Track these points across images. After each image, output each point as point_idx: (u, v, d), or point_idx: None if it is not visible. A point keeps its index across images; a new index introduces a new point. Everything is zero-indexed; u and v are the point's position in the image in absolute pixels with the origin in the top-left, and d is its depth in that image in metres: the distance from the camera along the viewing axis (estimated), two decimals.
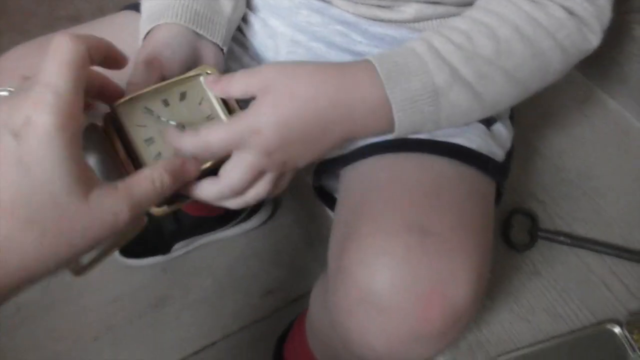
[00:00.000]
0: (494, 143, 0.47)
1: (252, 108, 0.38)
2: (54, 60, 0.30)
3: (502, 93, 0.43)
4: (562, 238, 0.65)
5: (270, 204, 1.04)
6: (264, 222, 1.04)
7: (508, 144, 0.51)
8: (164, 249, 0.97)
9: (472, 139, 0.45)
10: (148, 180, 0.34)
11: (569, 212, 0.68)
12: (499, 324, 0.61)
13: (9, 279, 0.29)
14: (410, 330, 0.38)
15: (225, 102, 0.42)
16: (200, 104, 0.41)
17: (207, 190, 0.40)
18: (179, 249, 0.98)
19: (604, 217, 0.68)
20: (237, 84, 0.39)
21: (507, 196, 0.70)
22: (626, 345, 0.57)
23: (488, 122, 0.48)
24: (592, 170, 0.72)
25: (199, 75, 0.42)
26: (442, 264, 0.38)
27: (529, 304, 0.62)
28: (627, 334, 0.58)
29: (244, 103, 0.41)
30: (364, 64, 0.41)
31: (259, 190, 0.40)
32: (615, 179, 0.71)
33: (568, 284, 0.63)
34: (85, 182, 0.31)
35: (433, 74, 0.40)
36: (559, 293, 0.63)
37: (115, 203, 0.32)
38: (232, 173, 0.39)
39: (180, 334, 0.93)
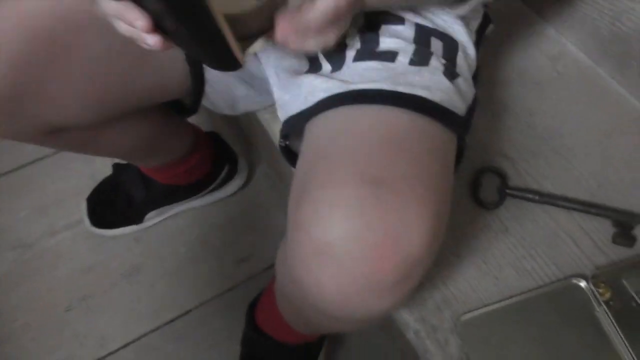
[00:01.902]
0: (456, 97, 0.46)
1: None
2: None
3: None
4: (530, 195, 0.65)
5: (245, 171, 1.02)
6: (238, 190, 1.02)
7: (470, 99, 0.50)
8: (137, 218, 0.96)
9: (435, 92, 0.44)
10: None
11: (539, 170, 0.68)
12: (466, 282, 0.61)
13: None
14: (364, 280, 0.38)
15: None
16: None
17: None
18: (152, 218, 0.97)
19: (573, 174, 0.67)
20: None
21: (476, 155, 0.69)
22: (592, 299, 0.57)
23: (451, 75, 0.47)
24: (562, 128, 0.71)
25: None
26: (395, 213, 0.37)
27: (496, 261, 0.62)
28: (592, 287, 0.58)
29: None
30: None
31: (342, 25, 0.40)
32: (585, 136, 0.70)
33: (536, 240, 0.63)
34: None
35: None
36: (526, 250, 0.62)
37: None
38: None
39: (155, 303, 0.92)
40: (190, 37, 0.37)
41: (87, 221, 0.96)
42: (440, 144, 0.45)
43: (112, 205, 0.96)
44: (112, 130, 0.66)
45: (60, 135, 0.60)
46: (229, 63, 0.40)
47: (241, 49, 0.40)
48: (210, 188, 0.97)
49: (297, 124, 0.50)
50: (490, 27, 0.59)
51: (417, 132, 0.43)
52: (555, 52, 0.79)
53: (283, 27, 0.39)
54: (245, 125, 1.02)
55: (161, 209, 0.96)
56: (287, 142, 0.54)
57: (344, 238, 0.37)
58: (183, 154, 0.84)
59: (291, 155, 0.55)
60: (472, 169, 0.68)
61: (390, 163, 0.40)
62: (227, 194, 1.01)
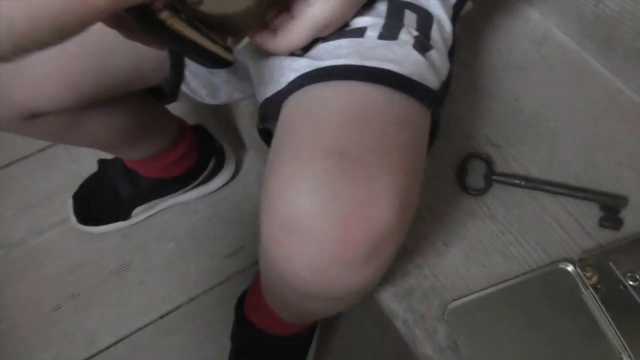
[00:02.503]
0: (428, 71, 0.45)
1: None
2: None
3: None
4: (517, 181, 0.64)
5: (232, 164, 1.01)
6: (226, 184, 1.02)
7: (444, 75, 0.49)
8: (124, 214, 0.95)
9: (405, 65, 0.44)
10: None
11: (525, 155, 0.67)
12: (453, 270, 0.60)
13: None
14: (332, 255, 0.37)
15: None
16: None
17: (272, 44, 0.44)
18: (139, 214, 0.96)
19: (559, 158, 0.67)
20: None
21: (461, 141, 0.69)
22: (579, 283, 0.57)
23: (424, 48, 0.46)
24: (548, 112, 0.71)
25: None
26: (361, 186, 0.37)
27: (484, 248, 0.62)
28: (580, 271, 0.57)
29: None
30: None
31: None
32: (571, 120, 0.70)
33: (523, 226, 0.62)
34: None
35: None
36: (514, 236, 0.62)
37: None
38: (296, 32, 0.44)
39: (144, 299, 0.92)
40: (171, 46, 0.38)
41: (73, 219, 0.95)
42: (409, 117, 0.44)
43: (98, 202, 0.95)
44: (92, 118, 0.65)
45: (39, 122, 0.59)
46: (216, 63, 0.40)
47: (232, 45, 0.41)
48: (197, 182, 0.96)
49: (272, 106, 0.50)
50: (469, 4, 0.58)
51: (385, 105, 0.42)
52: (539, 36, 0.78)
53: (264, 45, 0.44)
54: (231, 118, 1.01)
55: (148, 204, 0.95)
56: (265, 125, 0.54)
57: (310, 212, 0.37)
58: (167, 146, 0.83)
59: (270, 139, 0.55)
60: (458, 155, 0.67)
61: (356, 136, 0.39)
62: (214, 187, 1.00)
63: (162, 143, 0.82)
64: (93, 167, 0.96)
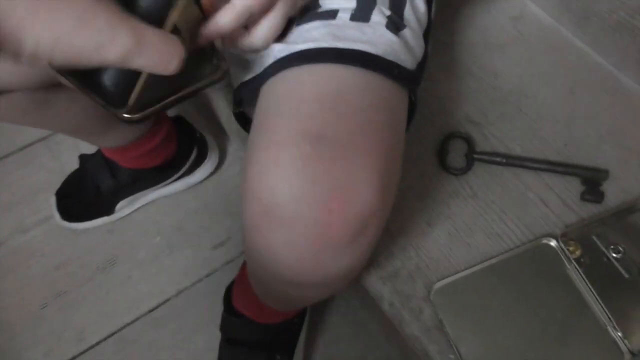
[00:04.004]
0: (401, 50, 0.45)
1: None
2: None
3: None
4: (498, 159, 0.64)
5: (215, 155, 1.00)
6: (210, 175, 1.01)
7: (419, 55, 0.49)
8: (107, 209, 0.94)
9: (378, 45, 0.43)
10: (163, 34, 0.32)
11: (505, 132, 0.67)
12: (438, 250, 0.60)
13: None
14: (315, 239, 0.37)
15: None
16: None
17: (240, 43, 0.41)
18: (123, 208, 0.95)
19: (539, 134, 0.67)
20: None
21: (442, 121, 0.68)
22: (562, 257, 0.58)
23: (396, 27, 0.46)
24: (526, 88, 0.70)
25: None
26: (340, 168, 0.37)
27: (467, 227, 0.62)
28: (563, 246, 0.58)
29: None
30: None
31: (272, 22, 0.41)
32: (550, 94, 0.70)
33: (505, 203, 0.63)
34: None
35: None
36: (496, 213, 0.62)
37: (120, 27, 0.30)
38: (266, 27, 0.41)
39: (132, 294, 0.91)
40: None
41: (57, 216, 0.94)
42: (386, 97, 0.44)
43: (80, 198, 0.94)
44: (61, 97, 0.63)
45: (6, 99, 0.58)
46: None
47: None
48: (180, 173, 0.95)
49: (248, 91, 0.49)
50: None
51: (360, 86, 0.42)
52: (516, 12, 0.78)
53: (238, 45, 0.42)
54: (212, 108, 1.00)
55: (131, 198, 0.94)
56: (242, 109, 0.53)
57: (289, 197, 0.36)
58: (143, 133, 0.82)
59: (248, 123, 0.54)
60: (439, 135, 0.67)
61: (332, 119, 0.39)
62: (198, 179, 0.99)
63: (138, 130, 0.81)
64: (75, 164, 0.95)
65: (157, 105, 0.37)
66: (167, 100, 0.38)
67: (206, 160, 0.99)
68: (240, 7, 0.38)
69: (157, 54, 0.31)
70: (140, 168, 0.89)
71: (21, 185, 1.02)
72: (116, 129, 0.78)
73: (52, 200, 0.95)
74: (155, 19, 0.33)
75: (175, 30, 0.35)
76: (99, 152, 0.90)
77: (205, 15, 0.38)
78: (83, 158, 0.93)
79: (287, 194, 0.37)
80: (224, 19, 0.38)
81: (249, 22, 0.41)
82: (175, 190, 0.98)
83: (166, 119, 0.88)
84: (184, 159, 0.94)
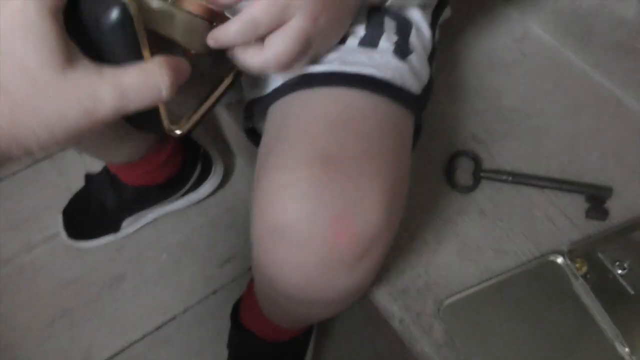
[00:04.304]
0: (408, 75, 0.46)
1: None
2: None
3: None
4: (504, 177, 0.65)
5: (220, 170, 1.01)
6: (216, 191, 1.02)
7: (425, 79, 0.50)
8: (113, 227, 0.95)
9: (386, 70, 0.45)
10: (140, 72, 0.32)
11: (510, 150, 0.69)
12: (446, 267, 0.61)
13: None
14: (323, 259, 0.38)
15: None
16: None
17: (251, 58, 0.40)
18: (129, 225, 0.96)
19: (543, 152, 0.68)
20: None
21: (448, 139, 0.70)
22: (569, 274, 0.59)
23: (403, 53, 0.47)
24: (530, 107, 0.72)
25: None
26: (347, 190, 0.38)
27: (475, 244, 0.63)
28: (569, 262, 0.59)
29: None
30: None
31: (286, 38, 0.40)
32: (554, 114, 0.71)
33: (512, 220, 0.64)
34: (64, 58, 0.29)
35: None
36: (504, 230, 0.63)
37: (96, 88, 0.30)
38: (281, 41, 0.39)
39: (139, 311, 0.91)
40: None
41: (63, 234, 0.95)
42: (393, 120, 0.45)
43: (86, 216, 0.94)
44: None
45: None
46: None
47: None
48: (185, 190, 0.96)
49: (258, 108, 0.50)
50: (448, 11, 0.59)
51: (368, 110, 0.43)
52: (519, 34, 0.79)
53: (249, 61, 0.41)
54: (217, 123, 1.01)
55: (137, 215, 0.95)
56: (252, 125, 0.54)
57: (298, 218, 0.37)
58: (150, 149, 0.82)
59: (258, 138, 0.55)
60: (446, 153, 0.68)
61: (341, 142, 0.40)
62: (203, 195, 1.00)
63: (145, 145, 0.81)
64: (81, 181, 0.95)
65: (200, 111, 0.40)
66: (207, 104, 0.40)
67: (210, 176, 0.99)
68: (246, 16, 0.38)
69: (144, 92, 0.32)
70: (146, 185, 0.90)
71: (28, 203, 1.02)
72: (127, 144, 0.78)
73: (59, 218, 0.96)
74: (129, 51, 0.34)
75: (180, 44, 0.37)
76: (104, 171, 0.91)
77: (214, 17, 0.39)
78: (89, 177, 0.94)
79: (297, 215, 0.38)
80: (231, 29, 0.39)
81: (259, 36, 0.40)
82: (181, 207, 0.99)
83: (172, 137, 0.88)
84: (189, 175, 0.95)
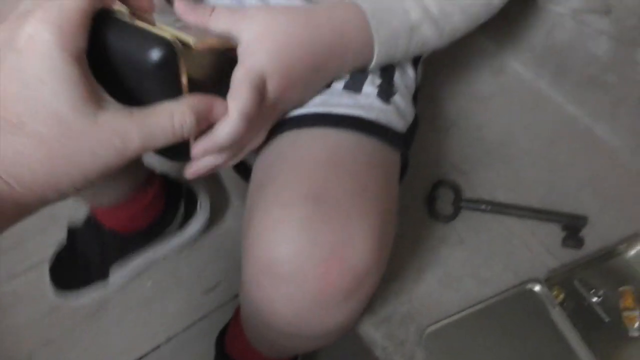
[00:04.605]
0: (393, 115, 0.48)
1: (254, 56, 0.39)
2: None
3: (457, 28, 0.51)
4: (484, 206, 0.67)
5: (206, 207, 0.98)
6: (208, 229, 1.00)
7: (409, 118, 0.52)
8: (101, 275, 0.91)
9: (369, 111, 0.46)
10: (166, 113, 0.33)
11: (490, 180, 0.71)
12: (428, 295, 0.63)
13: (22, 195, 0.29)
14: (313, 296, 0.39)
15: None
16: None
17: (222, 131, 0.39)
18: (118, 272, 0.92)
19: (522, 182, 0.70)
20: (221, 22, 0.40)
21: (429, 170, 0.72)
22: (546, 302, 0.60)
23: (387, 95, 0.49)
24: (509, 138, 0.74)
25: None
26: (338, 229, 0.39)
27: (456, 272, 0.64)
28: (546, 290, 0.60)
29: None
30: (350, 5, 0.45)
31: (258, 139, 0.44)
32: (530, 144, 0.74)
33: (491, 249, 0.65)
34: (94, 102, 0.30)
35: (409, 12, 0.47)
36: (483, 259, 0.65)
37: (125, 129, 0.31)
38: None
39: (123, 340, 0.91)
40: None
41: (51, 290, 0.90)
42: (380, 159, 0.47)
43: (73, 269, 0.91)
44: None
45: None
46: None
47: None
48: (171, 230, 0.93)
49: None
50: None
51: (356, 150, 0.45)
52: (497, 68, 0.82)
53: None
54: None
55: (123, 262, 0.92)
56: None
57: (290, 256, 0.38)
58: (134, 190, 0.80)
59: (246, 171, 0.56)
60: (427, 183, 0.70)
61: (331, 181, 0.41)
62: (193, 231, 0.96)
63: (129, 187, 0.79)
64: (65, 210, 0.95)
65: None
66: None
67: (197, 212, 0.97)
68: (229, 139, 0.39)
69: (171, 132, 0.34)
70: (131, 230, 0.87)
71: (9, 232, 1.01)
72: (111, 185, 0.77)
73: (46, 274, 0.91)
74: (167, 90, 0.35)
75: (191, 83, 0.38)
76: (88, 221, 0.88)
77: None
78: (71, 229, 0.90)
79: (288, 252, 0.39)
80: (221, 134, 0.39)
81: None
82: (169, 250, 0.96)
83: (157, 176, 0.87)
84: (172, 214, 0.92)
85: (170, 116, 0.33)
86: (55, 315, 0.92)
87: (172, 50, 0.33)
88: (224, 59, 0.40)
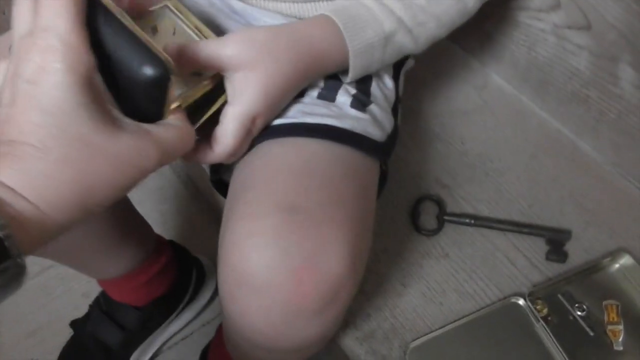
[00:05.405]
0: (369, 124, 0.48)
1: (242, 97, 0.42)
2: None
3: (432, 36, 0.52)
4: (467, 220, 0.67)
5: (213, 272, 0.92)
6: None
7: (388, 128, 0.52)
8: None
9: (344, 120, 0.46)
10: (177, 128, 0.36)
11: (473, 194, 0.71)
12: (412, 310, 0.62)
13: (48, 217, 0.29)
14: (287, 307, 0.39)
15: (197, 28, 0.43)
16: (173, 34, 0.43)
17: (207, 159, 0.44)
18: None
19: (505, 196, 0.70)
20: (206, 56, 0.41)
21: (413, 184, 0.72)
22: (530, 316, 0.60)
23: (362, 104, 0.49)
24: (492, 153, 0.75)
25: (164, 6, 0.43)
26: (312, 239, 0.38)
27: (439, 286, 0.64)
28: (530, 305, 0.60)
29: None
30: (324, 20, 0.46)
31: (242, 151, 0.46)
32: (514, 159, 0.74)
33: (475, 263, 0.65)
34: (112, 121, 0.32)
35: (383, 23, 0.47)
36: (467, 273, 0.64)
37: (146, 145, 0.33)
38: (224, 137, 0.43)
39: None
40: None
41: None
42: (355, 169, 0.46)
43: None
44: None
45: None
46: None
47: None
48: (187, 299, 0.87)
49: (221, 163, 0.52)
50: (410, 62, 0.62)
51: (330, 159, 0.45)
52: (480, 83, 0.83)
53: (203, 160, 0.45)
54: (215, 204, 1.02)
55: (145, 344, 0.84)
56: (218, 177, 0.55)
57: (262, 267, 0.38)
58: (147, 256, 0.75)
59: (225, 189, 0.56)
60: (411, 198, 0.70)
61: (305, 190, 0.41)
62: (204, 300, 0.91)
63: (143, 252, 0.75)
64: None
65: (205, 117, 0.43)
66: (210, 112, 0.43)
67: (206, 280, 0.91)
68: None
69: (180, 147, 0.36)
70: (147, 303, 0.80)
71: None
72: (119, 254, 0.72)
73: None
74: (154, 107, 0.36)
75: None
76: (93, 309, 0.81)
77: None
78: (76, 324, 0.83)
79: (260, 263, 0.38)
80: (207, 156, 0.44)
81: None
82: (187, 322, 0.90)
83: (166, 243, 0.83)
84: (187, 282, 0.87)
85: (179, 131, 0.36)
86: (39, 336, 0.91)
87: (167, 70, 0.34)
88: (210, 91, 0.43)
